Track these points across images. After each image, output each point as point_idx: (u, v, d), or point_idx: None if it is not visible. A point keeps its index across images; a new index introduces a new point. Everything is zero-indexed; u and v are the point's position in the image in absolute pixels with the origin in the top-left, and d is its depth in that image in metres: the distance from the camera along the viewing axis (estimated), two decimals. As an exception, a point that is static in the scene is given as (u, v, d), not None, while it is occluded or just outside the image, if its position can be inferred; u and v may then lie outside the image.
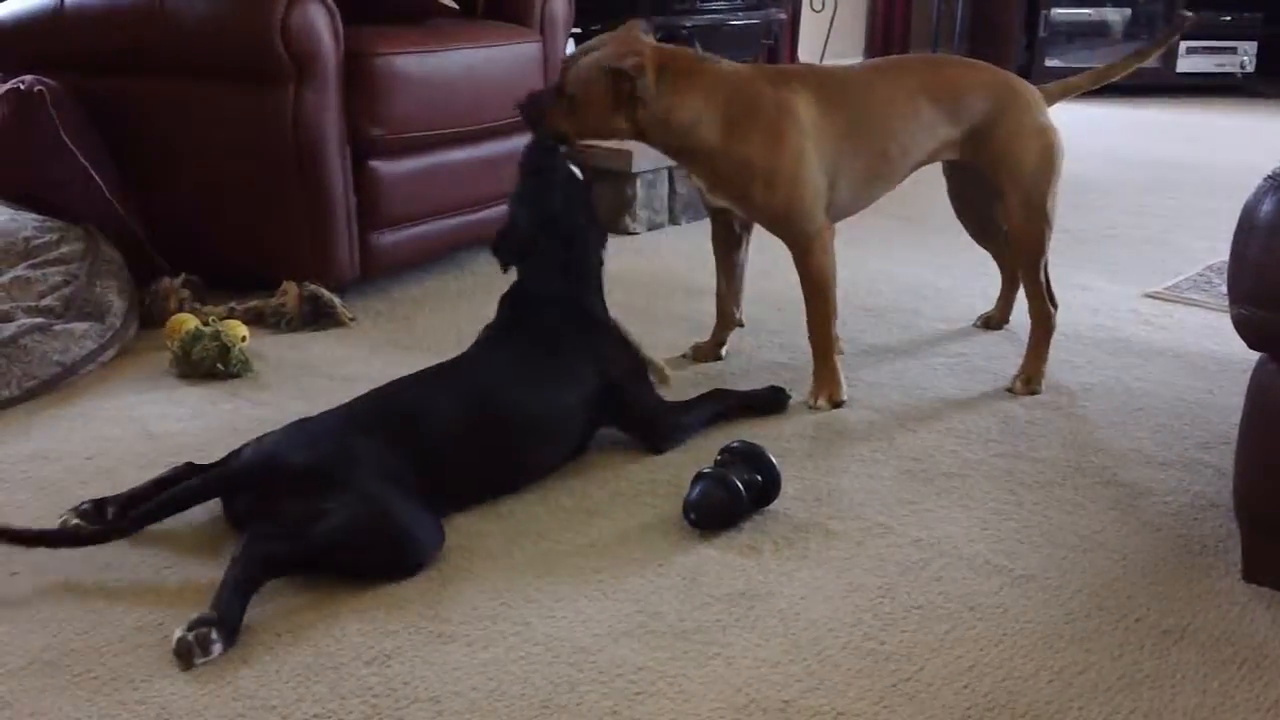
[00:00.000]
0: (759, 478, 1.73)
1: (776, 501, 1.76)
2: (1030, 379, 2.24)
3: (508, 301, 2.00)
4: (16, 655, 1.40)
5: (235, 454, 1.70)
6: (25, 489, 1.82)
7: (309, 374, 2.32)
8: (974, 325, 2.62)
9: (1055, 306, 2.29)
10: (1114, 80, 2.35)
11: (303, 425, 1.70)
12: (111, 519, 1.66)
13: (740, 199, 2.14)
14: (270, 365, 2.36)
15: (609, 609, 1.51)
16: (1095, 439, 2.03)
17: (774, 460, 1.75)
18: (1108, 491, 1.85)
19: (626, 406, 1.95)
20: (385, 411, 1.73)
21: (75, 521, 1.66)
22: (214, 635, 1.39)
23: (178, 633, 1.39)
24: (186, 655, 1.38)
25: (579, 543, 1.68)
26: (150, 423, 2.07)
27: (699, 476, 1.73)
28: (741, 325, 2.45)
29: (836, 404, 2.16)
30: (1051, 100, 2.28)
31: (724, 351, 2.42)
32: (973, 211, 2.46)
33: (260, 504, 1.57)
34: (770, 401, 2.13)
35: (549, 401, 1.84)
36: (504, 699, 1.33)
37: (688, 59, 2.09)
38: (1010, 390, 2.24)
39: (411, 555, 1.58)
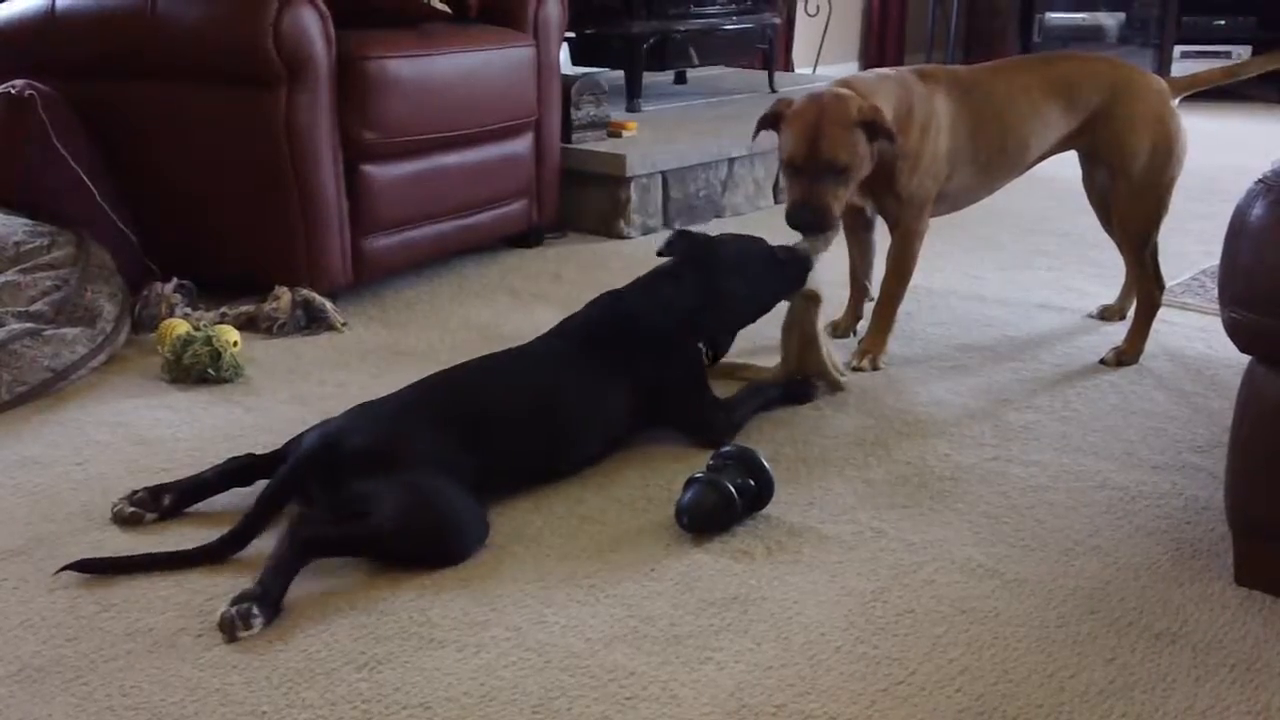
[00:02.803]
0: (751, 482, 1.73)
1: (769, 505, 1.76)
2: (1124, 354, 2.39)
3: (594, 302, 2.08)
4: (6, 662, 1.40)
5: (296, 440, 1.75)
6: (15, 495, 1.81)
7: (301, 379, 2.31)
8: (1090, 316, 2.69)
9: (1161, 288, 2.41)
10: (1244, 78, 2.42)
11: (364, 408, 1.77)
12: (168, 505, 1.71)
13: (888, 185, 2.26)
14: (262, 370, 2.35)
15: (601, 614, 1.50)
16: (1088, 442, 2.03)
17: (766, 464, 1.75)
18: (1100, 495, 1.85)
19: (681, 405, 2.01)
20: (443, 397, 1.80)
21: (131, 509, 1.71)
22: (255, 610, 1.45)
23: (221, 608, 1.45)
24: (229, 629, 1.43)
25: (571, 548, 1.67)
26: (142, 428, 2.07)
27: (691, 481, 1.72)
28: (871, 298, 2.54)
29: (875, 367, 2.36)
30: (1178, 91, 2.37)
31: (858, 328, 2.53)
32: (1103, 200, 2.49)
33: (324, 485, 1.63)
34: (801, 393, 2.21)
35: (593, 396, 1.89)
36: (495, 705, 1.32)
37: (868, 79, 2.25)
38: (1103, 361, 2.38)
39: (456, 547, 1.63)
